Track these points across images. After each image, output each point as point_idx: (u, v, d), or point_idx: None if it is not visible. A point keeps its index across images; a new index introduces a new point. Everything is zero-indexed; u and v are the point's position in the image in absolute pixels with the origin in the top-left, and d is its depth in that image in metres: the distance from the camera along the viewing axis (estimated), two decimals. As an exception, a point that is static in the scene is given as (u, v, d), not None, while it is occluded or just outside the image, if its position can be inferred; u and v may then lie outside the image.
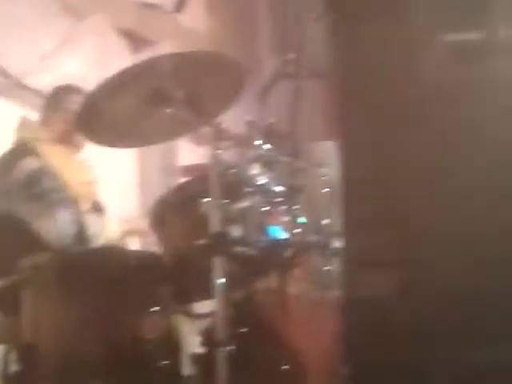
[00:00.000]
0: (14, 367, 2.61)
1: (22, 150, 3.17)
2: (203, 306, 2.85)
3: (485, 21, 1.72)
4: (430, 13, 1.68)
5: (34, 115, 3.42)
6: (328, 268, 2.83)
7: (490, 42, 1.71)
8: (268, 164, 2.74)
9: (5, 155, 3.21)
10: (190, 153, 4.52)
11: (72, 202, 2.60)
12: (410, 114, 1.73)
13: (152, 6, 4.82)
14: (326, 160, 3.09)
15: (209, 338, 2.64)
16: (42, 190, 3.00)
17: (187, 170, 3.42)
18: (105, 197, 3.40)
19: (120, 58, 4.46)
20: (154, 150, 4.81)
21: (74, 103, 3.19)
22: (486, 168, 1.71)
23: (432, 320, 1.69)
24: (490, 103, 1.71)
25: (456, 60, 1.69)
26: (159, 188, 4.56)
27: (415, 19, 1.69)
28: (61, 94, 3.37)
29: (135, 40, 4.76)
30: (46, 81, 3.75)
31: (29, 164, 3.06)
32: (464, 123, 1.72)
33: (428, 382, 1.67)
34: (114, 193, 3.58)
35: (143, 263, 2.61)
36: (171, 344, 2.59)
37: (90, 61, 4.28)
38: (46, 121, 3.34)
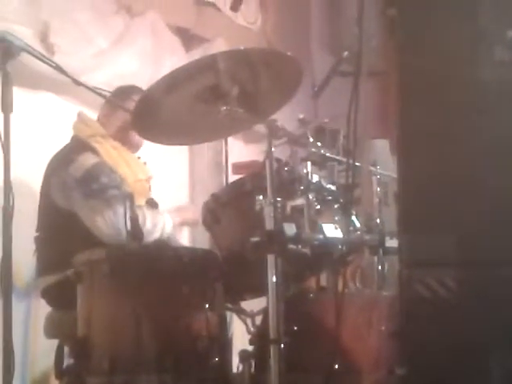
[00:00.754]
0: (66, 361, 2.64)
1: (78, 145, 3.18)
2: (254, 304, 2.85)
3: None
4: (493, 9, 1.66)
5: (90, 112, 3.44)
6: (380, 267, 2.81)
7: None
8: (321, 162, 2.74)
9: (62, 150, 3.23)
10: (238, 150, 4.53)
11: (128, 198, 2.61)
12: (470, 111, 1.71)
13: (206, 4, 4.83)
14: (380, 158, 3.07)
15: (260, 335, 2.64)
16: (100, 186, 2.99)
17: (238, 167, 3.42)
18: (157, 194, 3.42)
19: (174, 56, 4.48)
20: (206, 148, 4.82)
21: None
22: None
23: (489, 321, 1.67)
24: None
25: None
26: (211, 185, 4.58)
27: (478, 15, 1.67)
28: (123, 94, 3.36)
29: (189, 37, 4.77)
30: (101, 78, 3.78)
31: (86, 160, 3.06)
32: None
33: (486, 384, 1.65)
34: (167, 190, 3.60)
35: (196, 260, 2.61)
36: (222, 341, 2.59)
37: (143, 58, 4.31)
38: (105, 118, 3.33)
